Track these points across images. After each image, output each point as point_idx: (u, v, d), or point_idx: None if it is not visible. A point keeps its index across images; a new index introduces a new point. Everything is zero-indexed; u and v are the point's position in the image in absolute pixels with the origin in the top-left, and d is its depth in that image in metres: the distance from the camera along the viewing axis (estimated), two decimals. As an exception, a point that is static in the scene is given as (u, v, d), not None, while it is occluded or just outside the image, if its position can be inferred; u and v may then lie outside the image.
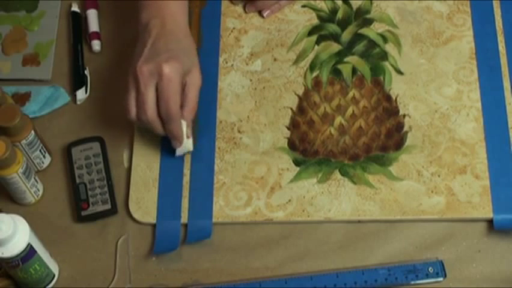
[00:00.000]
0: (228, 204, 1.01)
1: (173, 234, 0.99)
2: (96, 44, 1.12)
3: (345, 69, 1.08)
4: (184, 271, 0.98)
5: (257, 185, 1.02)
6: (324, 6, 1.13)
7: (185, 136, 0.99)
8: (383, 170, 1.02)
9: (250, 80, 1.09)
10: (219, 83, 1.08)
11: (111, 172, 1.04)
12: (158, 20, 0.98)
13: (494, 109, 1.05)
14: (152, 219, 1.00)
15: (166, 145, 1.04)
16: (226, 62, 1.10)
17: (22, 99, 1.09)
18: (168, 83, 0.94)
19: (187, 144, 1.00)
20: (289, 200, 1.01)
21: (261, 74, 1.09)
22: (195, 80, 0.97)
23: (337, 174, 1.02)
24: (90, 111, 1.09)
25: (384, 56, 1.09)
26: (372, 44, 1.10)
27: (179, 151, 1.01)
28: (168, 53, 0.95)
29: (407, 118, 1.05)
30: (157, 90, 0.95)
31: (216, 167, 1.03)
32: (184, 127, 0.98)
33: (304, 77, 1.08)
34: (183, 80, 0.96)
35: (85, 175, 1.04)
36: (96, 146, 1.05)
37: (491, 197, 1.00)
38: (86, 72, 1.10)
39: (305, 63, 1.09)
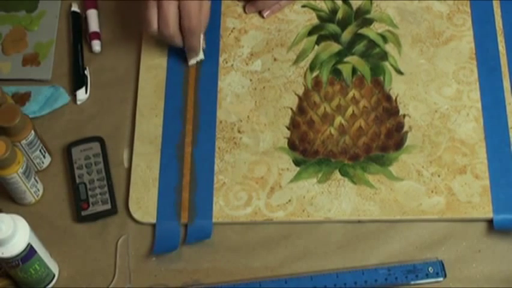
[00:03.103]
0: (228, 204, 1.01)
1: (173, 234, 0.99)
2: (96, 44, 1.12)
3: (345, 69, 1.08)
4: (184, 271, 0.98)
5: (257, 185, 1.02)
6: (324, 6, 1.13)
7: (201, 47, 1.05)
8: (383, 170, 1.02)
9: (250, 80, 1.09)
10: (219, 83, 1.08)
11: (111, 172, 1.04)
12: None
13: (494, 109, 1.05)
14: (152, 219, 1.00)
15: (166, 144, 1.04)
16: (226, 62, 1.10)
17: (22, 99, 1.09)
18: (191, 1, 0.99)
19: (199, 54, 1.05)
20: (289, 200, 1.01)
21: (261, 74, 1.09)
22: None
23: (337, 174, 1.02)
24: (90, 111, 1.09)
25: (384, 56, 1.09)
26: (372, 44, 1.10)
27: (192, 60, 1.06)
28: None
29: (407, 118, 1.05)
30: (178, 6, 1.00)
31: (216, 167, 1.03)
32: (201, 39, 1.03)
33: (304, 77, 1.08)
34: None
35: (85, 175, 1.04)
36: (96, 146, 1.05)
37: (491, 197, 1.00)
38: (86, 72, 1.10)
39: (305, 63, 1.09)
